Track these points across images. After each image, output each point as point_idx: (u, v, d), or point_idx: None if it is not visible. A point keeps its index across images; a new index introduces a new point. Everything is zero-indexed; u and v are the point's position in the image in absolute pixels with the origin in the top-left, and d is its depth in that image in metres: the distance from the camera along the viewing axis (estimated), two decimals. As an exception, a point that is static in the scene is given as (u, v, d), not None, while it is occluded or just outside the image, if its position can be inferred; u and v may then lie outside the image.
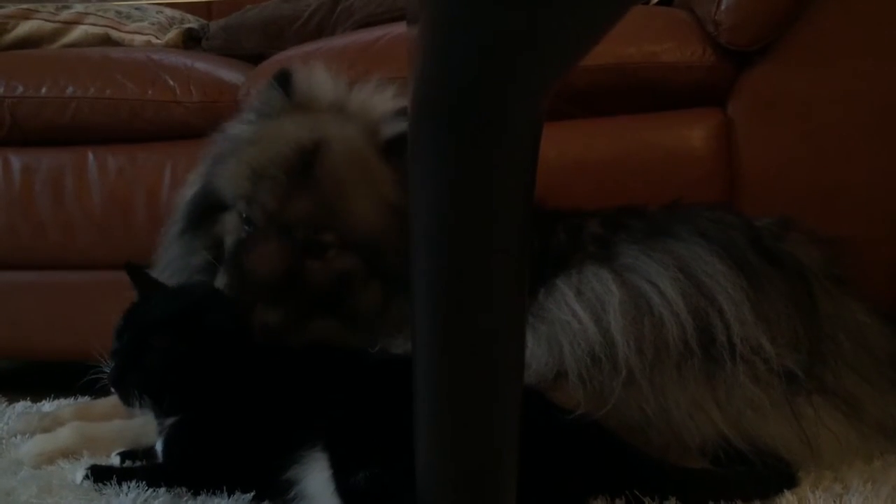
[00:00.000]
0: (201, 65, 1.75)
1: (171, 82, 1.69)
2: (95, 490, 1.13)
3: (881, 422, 1.13)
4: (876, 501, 0.97)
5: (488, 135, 0.66)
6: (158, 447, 1.14)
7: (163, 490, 1.11)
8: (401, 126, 1.19)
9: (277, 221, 1.19)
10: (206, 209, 1.28)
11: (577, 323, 1.11)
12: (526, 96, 0.67)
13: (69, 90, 1.69)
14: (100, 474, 1.12)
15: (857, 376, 1.15)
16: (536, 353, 1.11)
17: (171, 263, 1.32)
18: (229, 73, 1.74)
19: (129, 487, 1.12)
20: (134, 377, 1.11)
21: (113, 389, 1.14)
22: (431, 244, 0.72)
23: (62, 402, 1.58)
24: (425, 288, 0.74)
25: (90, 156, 1.72)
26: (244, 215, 1.22)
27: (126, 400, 1.13)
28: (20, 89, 1.71)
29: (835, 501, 0.98)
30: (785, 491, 1.01)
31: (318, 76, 1.34)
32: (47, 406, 1.57)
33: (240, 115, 1.35)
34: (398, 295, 1.20)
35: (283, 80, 1.30)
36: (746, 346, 1.10)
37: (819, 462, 1.06)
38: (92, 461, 1.21)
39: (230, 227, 1.25)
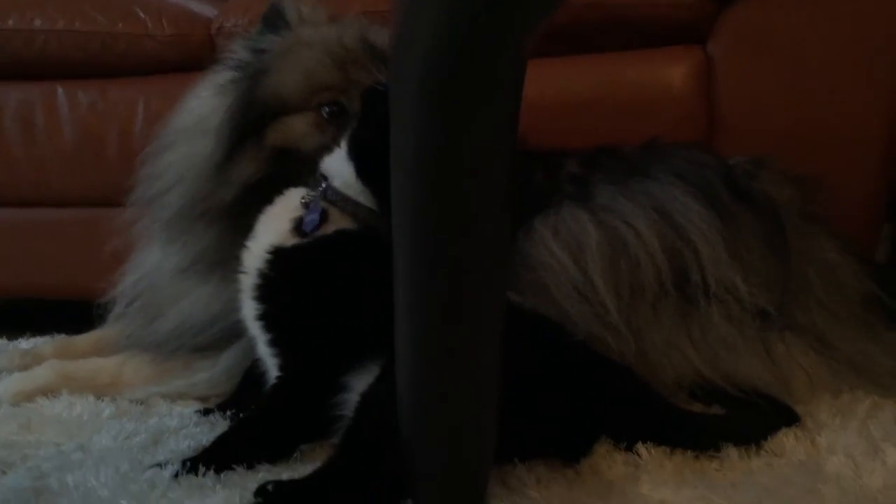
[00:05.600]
0: (173, -3, 1.70)
1: (143, 15, 1.65)
2: (78, 425, 1.14)
3: (850, 358, 1.15)
4: (844, 434, 1.00)
5: (473, 82, 0.65)
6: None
7: (143, 427, 1.12)
8: None
9: None
10: (250, 124, 1.21)
11: (556, 264, 1.12)
12: (512, 40, 0.65)
13: (37, 23, 1.65)
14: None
15: (827, 313, 1.18)
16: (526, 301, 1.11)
17: (199, 193, 1.24)
18: (201, 7, 1.70)
19: (110, 423, 1.14)
20: None
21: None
22: (415, 194, 0.71)
23: (38, 339, 1.58)
24: (409, 238, 0.74)
25: (60, 90, 1.68)
26: (330, 108, 1.19)
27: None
28: (-15, 22, 1.66)
29: (805, 435, 1.00)
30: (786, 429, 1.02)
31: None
32: (24, 344, 1.57)
33: (247, 38, 1.30)
34: None
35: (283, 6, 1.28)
36: (720, 286, 1.12)
37: (791, 398, 1.09)
38: (71, 399, 1.22)
39: (299, 129, 1.20)
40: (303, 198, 1.06)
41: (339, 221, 1.04)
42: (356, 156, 1.04)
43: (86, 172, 1.67)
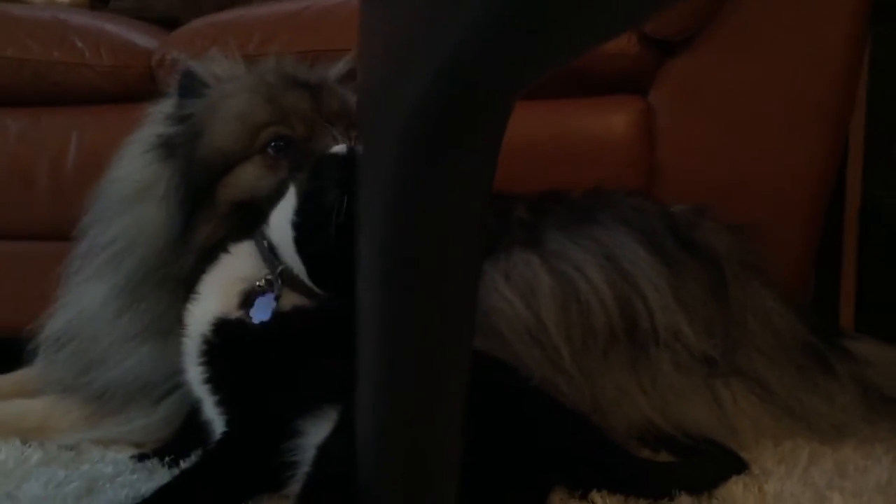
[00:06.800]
0: (112, 27, 1.67)
1: (80, 44, 1.60)
2: (4, 472, 1.08)
3: (789, 405, 1.18)
4: (789, 482, 1.02)
5: (465, 130, 0.64)
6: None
7: (76, 475, 1.07)
8: None
9: (317, 125, 1.17)
10: (199, 190, 1.17)
11: (510, 308, 1.12)
12: (502, 100, 0.64)
13: (-34, 48, 1.59)
14: None
15: (767, 360, 1.20)
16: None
17: (155, 263, 1.19)
18: (142, 38, 1.67)
19: (39, 470, 1.08)
20: None
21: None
22: (387, 238, 0.70)
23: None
24: (376, 283, 0.72)
25: (-11, 118, 1.62)
26: (275, 143, 1.17)
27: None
28: (-90, 44, 1.59)
29: (753, 483, 1.02)
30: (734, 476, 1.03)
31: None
32: (-61, 383, 1.48)
33: (166, 112, 1.26)
34: None
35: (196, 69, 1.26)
36: (669, 333, 1.14)
37: (737, 444, 1.10)
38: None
39: (250, 176, 1.17)
40: (259, 283, 1.03)
41: (291, 299, 1.02)
42: (308, 261, 1.02)
43: (13, 204, 1.61)
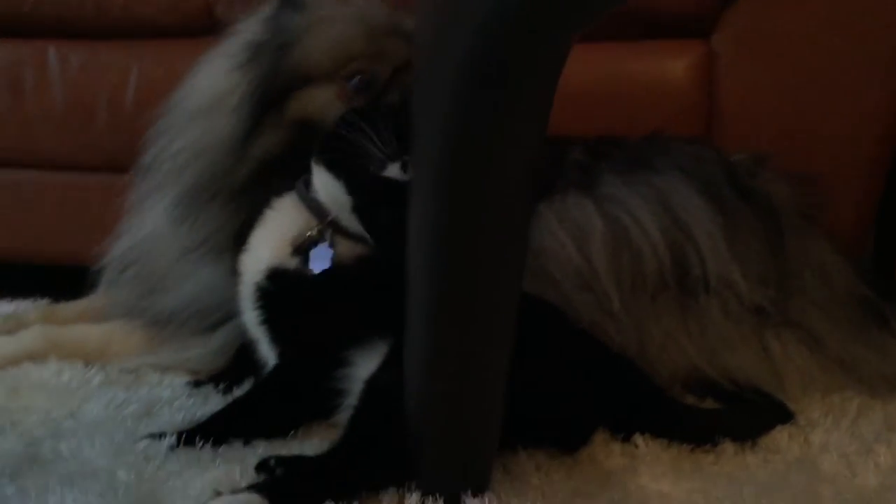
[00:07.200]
0: (171, -40, 1.67)
1: (140, -22, 1.61)
2: (67, 392, 1.12)
3: (840, 357, 1.16)
4: (836, 434, 1.01)
5: (521, 65, 0.64)
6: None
7: (135, 397, 1.11)
8: None
9: (405, 75, 1.16)
10: (273, 98, 1.19)
11: (561, 250, 1.12)
12: (569, 27, 0.63)
13: (30, -19, 1.61)
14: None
15: (821, 312, 1.19)
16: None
17: (216, 173, 1.21)
18: (200, -28, 1.66)
19: (100, 392, 1.13)
20: None
21: None
22: (440, 177, 0.70)
23: (20, 304, 1.55)
24: (429, 222, 0.73)
25: (51, 50, 1.65)
26: (360, 77, 1.17)
27: None
28: (-23, -25, 1.62)
29: (798, 433, 1.01)
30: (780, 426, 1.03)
31: None
32: (4, 307, 1.53)
33: (264, 15, 1.25)
34: None
35: None
36: (720, 281, 1.13)
37: (784, 394, 1.10)
38: (59, 366, 1.20)
39: (321, 100, 1.18)
40: (310, 233, 1.04)
41: (347, 249, 1.04)
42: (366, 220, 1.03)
43: (74, 135, 1.64)
